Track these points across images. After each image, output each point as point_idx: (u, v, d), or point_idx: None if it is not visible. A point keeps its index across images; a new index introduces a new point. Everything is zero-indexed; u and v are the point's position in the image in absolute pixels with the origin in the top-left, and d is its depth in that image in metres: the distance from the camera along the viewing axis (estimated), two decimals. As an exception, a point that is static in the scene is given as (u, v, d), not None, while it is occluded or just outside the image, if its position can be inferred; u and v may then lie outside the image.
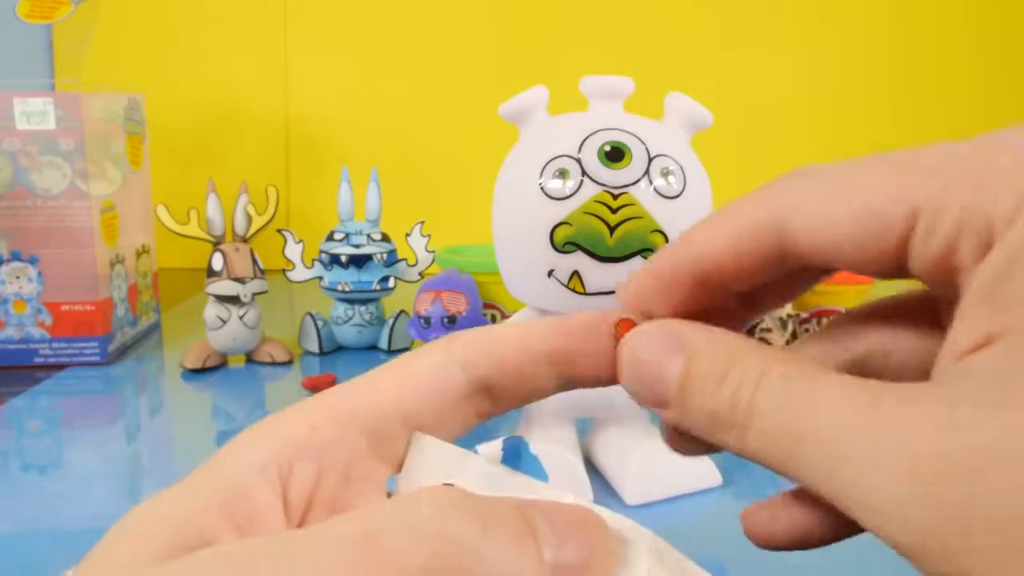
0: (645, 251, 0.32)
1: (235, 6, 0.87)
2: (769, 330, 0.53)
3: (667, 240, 0.32)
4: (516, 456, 0.20)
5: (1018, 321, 0.14)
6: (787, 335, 0.54)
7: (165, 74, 0.86)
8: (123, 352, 0.64)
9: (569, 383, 0.19)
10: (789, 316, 0.54)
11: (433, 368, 0.18)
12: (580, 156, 0.33)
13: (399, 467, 0.18)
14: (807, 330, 0.61)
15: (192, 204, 0.60)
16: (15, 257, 0.58)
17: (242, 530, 0.16)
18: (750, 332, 0.54)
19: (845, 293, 0.60)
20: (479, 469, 0.18)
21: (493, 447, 0.20)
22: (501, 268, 0.38)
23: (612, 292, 0.33)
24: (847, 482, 0.14)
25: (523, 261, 0.35)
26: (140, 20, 0.85)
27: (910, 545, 0.14)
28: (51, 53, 0.74)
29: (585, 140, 0.33)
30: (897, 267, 0.17)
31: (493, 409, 0.19)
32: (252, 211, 0.60)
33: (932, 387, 0.15)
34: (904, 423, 0.14)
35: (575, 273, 0.33)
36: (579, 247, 0.33)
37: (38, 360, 0.60)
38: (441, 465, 0.18)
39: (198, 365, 0.59)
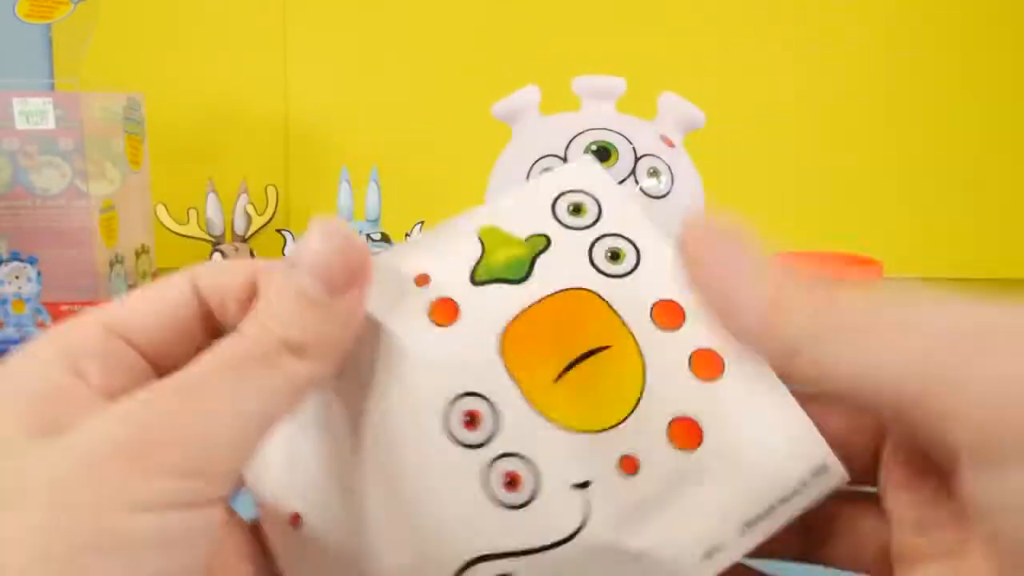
0: None
1: (235, 6, 0.87)
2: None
3: None
4: None
5: None
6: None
7: (165, 74, 0.86)
8: (123, 352, 0.64)
9: None
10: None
11: (170, 288, 0.20)
12: (566, 155, 0.33)
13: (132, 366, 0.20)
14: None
15: (192, 204, 0.60)
16: (14, 257, 0.59)
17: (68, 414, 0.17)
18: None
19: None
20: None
21: None
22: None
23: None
24: None
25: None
26: (140, 20, 0.85)
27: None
28: (50, 53, 0.74)
29: (572, 140, 0.33)
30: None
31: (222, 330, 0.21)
32: (252, 211, 0.60)
33: None
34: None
35: None
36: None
37: (38, 360, 0.60)
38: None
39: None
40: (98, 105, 0.60)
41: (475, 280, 0.19)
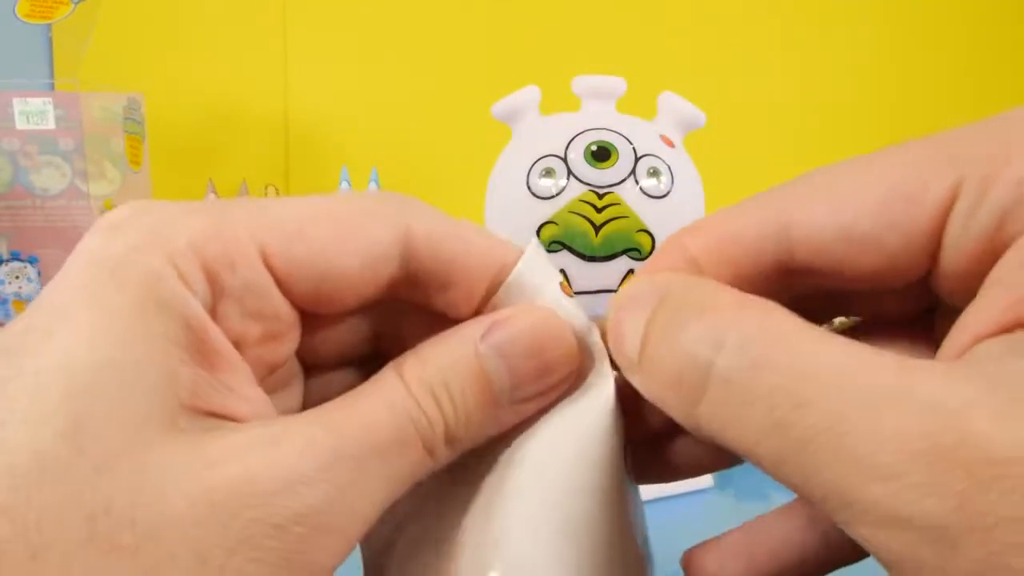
0: (630, 251, 0.32)
1: (235, 6, 0.87)
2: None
3: (653, 240, 0.32)
4: None
5: None
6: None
7: (165, 74, 0.86)
8: (122, 351, 0.64)
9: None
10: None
11: (373, 230, 0.15)
12: (566, 155, 0.33)
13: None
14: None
15: (191, 204, 0.60)
16: (14, 257, 0.59)
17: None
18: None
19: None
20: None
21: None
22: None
23: (597, 292, 0.33)
24: (845, 465, 0.11)
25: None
26: (140, 20, 0.86)
27: (911, 555, 0.11)
28: (51, 53, 0.74)
29: (572, 140, 0.33)
30: (921, 266, 0.14)
31: (406, 288, 0.16)
32: (250, 211, 0.61)
33: (964, 366, 0.12)
34: (940, 402, 0.11)
35: (561, 272, 0.33)
36: (565, 246, 0.33)
37: (37, 359, 0.60)
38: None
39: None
40: (98, 105, 0.60)
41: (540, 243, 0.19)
